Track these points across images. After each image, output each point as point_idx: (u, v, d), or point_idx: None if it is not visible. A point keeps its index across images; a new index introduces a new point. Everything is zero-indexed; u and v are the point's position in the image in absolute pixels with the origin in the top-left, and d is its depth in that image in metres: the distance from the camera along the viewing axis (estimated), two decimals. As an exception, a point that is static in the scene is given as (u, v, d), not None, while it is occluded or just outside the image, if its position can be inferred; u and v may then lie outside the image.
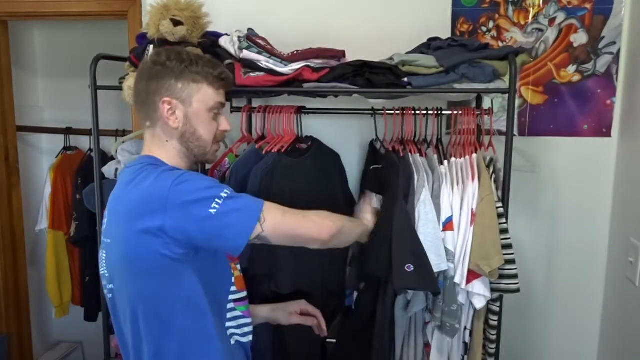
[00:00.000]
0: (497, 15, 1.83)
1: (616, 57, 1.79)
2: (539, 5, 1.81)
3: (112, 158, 1.79)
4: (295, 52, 1.55)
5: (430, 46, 1.57)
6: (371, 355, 1.43)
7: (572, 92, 1.84)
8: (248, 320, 1.24)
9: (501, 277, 1.41)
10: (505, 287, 1.42)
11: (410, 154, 1.53)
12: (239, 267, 1.26)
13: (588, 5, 1.79)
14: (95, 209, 1.68)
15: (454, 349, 1.52)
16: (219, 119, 1.23)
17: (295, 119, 1.66)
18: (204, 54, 1.56)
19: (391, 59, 1.53)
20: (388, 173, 1.48)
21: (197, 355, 1.13)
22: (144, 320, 1.11)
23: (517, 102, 1.85)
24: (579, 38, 1.81)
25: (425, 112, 1.60)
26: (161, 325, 1.11)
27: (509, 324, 1.74)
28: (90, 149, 2.71)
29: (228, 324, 1.20)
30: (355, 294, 1.65)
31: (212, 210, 1.04)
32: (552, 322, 1.95)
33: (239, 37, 1.55)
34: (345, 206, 1.69)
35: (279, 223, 1.12)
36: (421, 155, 1.55)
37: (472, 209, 1.42)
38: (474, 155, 1.49)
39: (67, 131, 2.79)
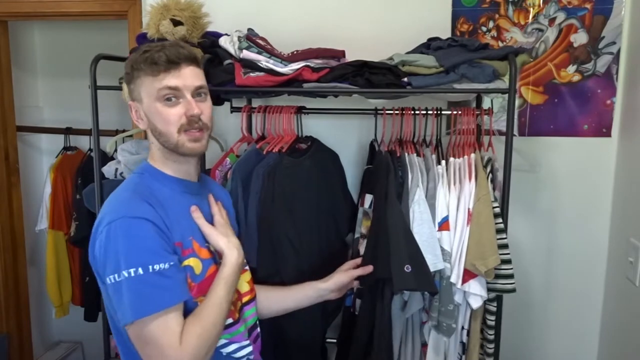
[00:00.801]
0: (497, 15, 1.83)
1: (616, 57, 1.79)
2: (539, 5, 1.81)
3: (112, 158, 1.78)
4: (295, 52, 1.55)
5: (430, 46, 1.57)
6: (370, 356, 1.43)
7: (572, 92, 1.84)
8: (238, 345, 1.18)
9: (497, 276, 1.41)
10: (502, 287, 1.42)
11: (407, 154, 1.53)
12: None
13: (588, 5, 1.79)
14: (95, 209, 1.68)
15: (451, 349, 1.52)
16: (182, 104, 1.11)
17: (295, 119, 1.66)
18: (204, 54, 1.57)
19: (391, 59, 1.53)
20: (379, 173, 1.47)
21: None
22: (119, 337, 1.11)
23: (517, 102, 1.85)
24: (579, 38, 1.81)
25: (425, 112, 1.60)
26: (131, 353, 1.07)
27: (508, 324, 1.74)
28: (90, 149, 2.71)
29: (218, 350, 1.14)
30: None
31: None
32: (552, 322, 1.95)
33: (239, 37, 1.55)
34: (345, 206, 1.69)
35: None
36: (419, 155, 1.55)
37: (468, 209, 1.42)
38: (472, 155, 1.49)
39: (67, 131, 2.79)
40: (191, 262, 1.09)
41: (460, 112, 1.57)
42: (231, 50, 1.55)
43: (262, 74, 1.52)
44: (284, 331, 1.53)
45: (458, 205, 1.43)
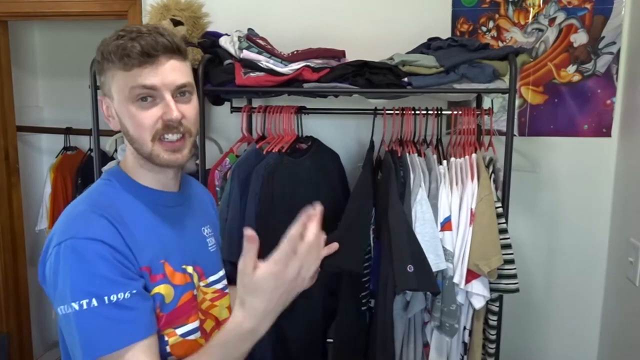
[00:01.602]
0: (497, 15, 1.83)
1: (616, 57, 1.79)
2: (539, 5, 1.81)
3: (112, 158, 1.79)
4: (295, 52, 1.55)
5: (430, 46, 1.57)
6: (371, 356, 1.43)
7: (572, 92, 1.84)
8: None
9: (500, 277, 1.41)
10: (505, 287, 1.42)
11: (408, 154, 1.53)
12: (179, 331, 0.94)
13: (588, 5, 1.79)
14: (95, 209, 1.68)
15: (453, 349, 1.52)
16: (160, 106, 0.91)
17: (295, 118, 1.66)
18: (204, 54, 1.56)
19: (391, 59, 1.54)
20: (385, 174, 1.48)
21: None
22: None
23: (517, 102, 1.85)
24: (579, 38, 1.81)
25: (425, 112, 1.60)
26: None
27: (508, 324, 1.74)
28: (90, 149, 2.71)
29: None
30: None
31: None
32: (552, 322, 1.95)
33: (239, 37, 1.55)
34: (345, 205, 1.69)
35: None
36: (420, 155, 1.55)
37: (471, 209, 1.42)
38: (474, 155, 1.49)
39: (67, 131, 2.79)
40: (161, 289, 0.91)
41: (460, 112, 1.57)
42: (231, 50, 1.55)
43: (262, 74, 1.52)
44: (283, 331, 1.53)
45: (460, 206, 1.43)
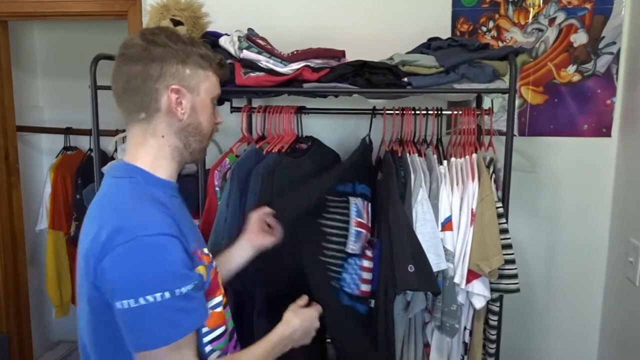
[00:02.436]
0: (497, 15, 1.83)
1: (616, 57, 1.79)
2: (539, 5, 1.81)
3: (112, 158, 1.78)
4: (295, 52, 1.55)
5: (430, 46, 1.57)
6: (372, 356, 1.43)
7: (572, 92, 1.84)
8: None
9: (501, 277, 1.41)
10: (505, 287, 1.42)
11: (408, 154, 1.53)
12: (210, 304, 1.04)
13: (588, 5, 1.79)
14: (95, 209, 1.68)
15: (454, 349, 1.52)
16: (215, 111, 1.10)
17: (295, 119, 1.66)
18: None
19: (391, 59, 1.54)
20: (385, 174, 1.48)
21: None
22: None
23: (517, 102, 1.85)
24: (579, 38, 1.80)
25: (425, 112, 1.60)
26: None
27: (509, 324, 1.74)
28: (90, 149, 2.71)
29: None
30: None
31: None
32: (552, 322, 1.95)
33: (239, 37, 1.55)
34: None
35: None
36: (420, 155, 1.55)
37: (471, 209, 1.42)
38: (474, 155, 1.49)
39: (67, 131, 2.79)
40: (200, 269, 1.00)
41: (460, 112, 1.57)
42: (231, 50, 1.55)
43: (262, 74, 1.52)
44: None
45: (461, 206, 1.43)
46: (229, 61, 1.56)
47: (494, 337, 1.50)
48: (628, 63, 1.78)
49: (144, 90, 0.99)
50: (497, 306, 1.48)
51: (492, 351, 1.51)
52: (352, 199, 1.50)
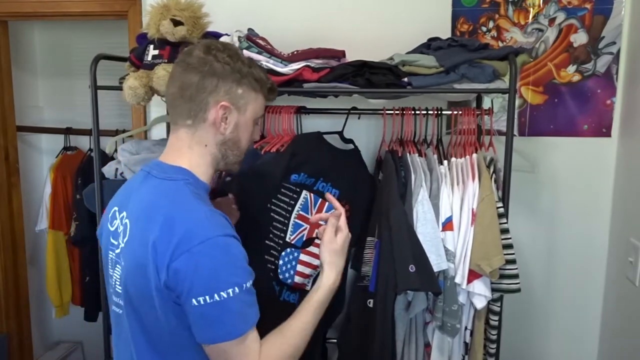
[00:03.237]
0: (497, 15, 1.83)
1: (616, 57, 1.79)
2: (539, 5, 1.81)
3: (112, 158, 1.78)
4: (295, 52, 1.55)
5: (430, 46, 1.57)
6: (373, 356, 1.43)
7: (572, 92, 1.84)
8: None
9: (502, 277, 1.41)
10: (506, 287, 1.42)
11: (408, 154, 1.53)
12: None
13: (588, 5, 1.79)
14: (95, 209, 1.68)
15: (455, 349, 1.52)
16: (255, 129, 1.16)
17: (295, 118, 1.66)
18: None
19: (391, 59, 1.54)
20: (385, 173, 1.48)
21: None
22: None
23: (517, 102, 1.85)
24: (579, 38, 1.81)
25: (425, 112, 1.60)
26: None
27: (509, 324, 1.74)
28: (90, 149, 2.70)
29: None
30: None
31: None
32: (552, 322, 1.95)
33: (239, 37, 1.55)
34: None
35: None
36: (420, 155, 1.55)
37: (472, 209, 1.42)
38: (474, 155, 1.49)
39: (67, 131, 2.78)
40: None
41: (460, 112, 1.57)
42: (231, 50, 1.55)
43: (262, 74, 1.51)
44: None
45: (462, 206, 1.43)
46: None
47: (495, 337, 1.50)
48: (628, 63, 1.78)
49: (196, 100, 1.05)
50: (498, 306, 1.48)
51: (493, 351, 1.51)
52: (305, 192, 1.53)
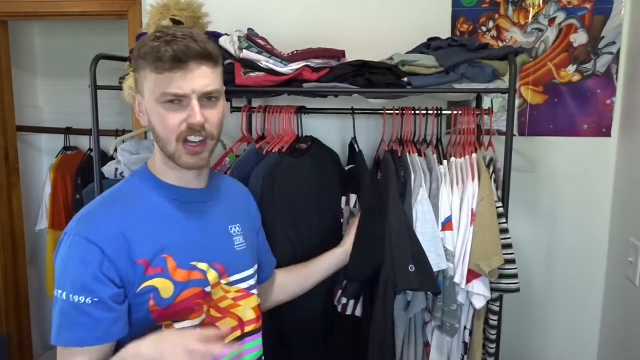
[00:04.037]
0: (497, 15, 1.83)
1: (616, 57, 1.79)
2: (539, 5, 1.81)
3: (112, 158, 1.78)
4: (295, 52, 1.55)
5: (430, 46, 1.57)
6: (372, 356, 1.43)
7: (572, 92, 1.84)
8: None
9: (501, 276, 1.41)
10: (505, 287, 1.42)
11: (408, 154, 1.53)
12: (178, 325, 0.99)
13: (588, 5, 1.79)
14: (95, 209, 1.68)
15: (454, 349, 1.52)
16: (186, 110, 0.96)
17: (295, 118, 1.66)
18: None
19: (391, 59, 1.54)
20: (384, 173, 1.48)
21: None
22: None
23: (517, 102, 1.85)
24: (579, 38, 1.81)
25: (425, 112, 1.60)
26: None
27: (509, 323, 1.74)
28: (90, 149, 2.71)
29: None
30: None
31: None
32: (552, 322, 1.95)
33: (239, 37, 1.55)
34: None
35: None
36: (420, 155, 1.55)
37: (472, 209, 1.42)
38: (474, 155, 1.49)
39: (67, 131, 2.79)
40: (156, 282, 0.95)
41: (460, 112, 1.57)
42: (231, 50, 1.55)
43: (262, 74, 1.51)
44: (285, 332, 1.53)
45: (461, 206, 1.43)
46: (228, 61, 1.55)
47: (494, 337, 1.50)
48: (628, 63, 1.78)
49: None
50: (497, 306, 1.48)
51: (492, 351, 1.51)
52: None
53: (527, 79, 1.85)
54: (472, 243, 1.40)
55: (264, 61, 1.51)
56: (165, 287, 0.96)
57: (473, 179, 1.44)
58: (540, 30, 1.82)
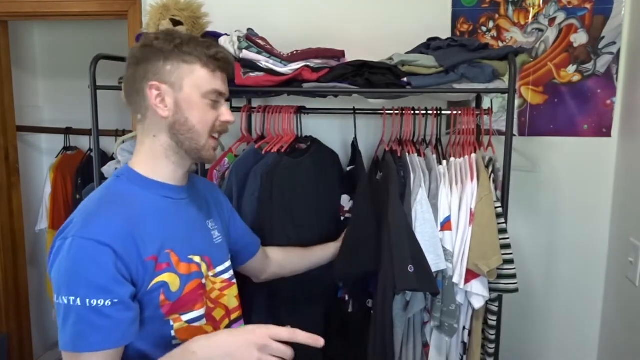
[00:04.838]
0: (497, 15, 1.83)
1: (616, 57, 1.79)
2: (539, 5, 1.81)
3: (112, 158, 1.79)
4: (294, 52, 1.54)
5: (430, 46, 1.57)
6: (372, 356, 1.43)
7: (572, 92, 1.83)
8: None
9: (500, 276, 1.41)
10: (504, 287, 1.42)
11: (407, 154, 1.53)
12: (185, 317, 1.01)
13: (588, 5, 1.78)
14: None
15: (453, 349, 1.52)
16: (219, 109, 1.06)
17: (295, 118, 1.66)
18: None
19: (391, 59, 1.53)
20: (385, 173, 1.48)
21: None
22: None
23: (517, 102, 1.85)
24: (579, 38, 1.80)
25: (424, 112, 1.60)
26: None
27: (508, 323, 1.74)
28: (90, 149, 2.71)
29: None
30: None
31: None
32: (552, 322, 1.94)
33: (238, 37, 1.55)
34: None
35: None
36: (419, 155, 1.55)
37: (470, 209, 1.41)
38: (473, 155, 1.49)
39: (67, 131, 2.79)
40: (166, 277, 0.98)
41: (460, 112, 1.57)
42: (231, 50, 1.55)
43: (261, 74, 1.51)
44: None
45: (460, 205, 1.43)
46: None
47: (493, 337, 1.50)
48: (628, 63, 1.77)
49: (135, 91, 1.03)
50: (496, 306, 1.48)
51: (491, 351, 1.51)
52: None
53: (527, 79, 1.84)
54: (470, 243, 1.40)
55: (264, 61, 1.51)
56: (173, 281, 0.99)
57: (472, 179, 1.44)
58: (540, 30, 1.82)
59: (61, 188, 2.75)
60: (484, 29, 1.84)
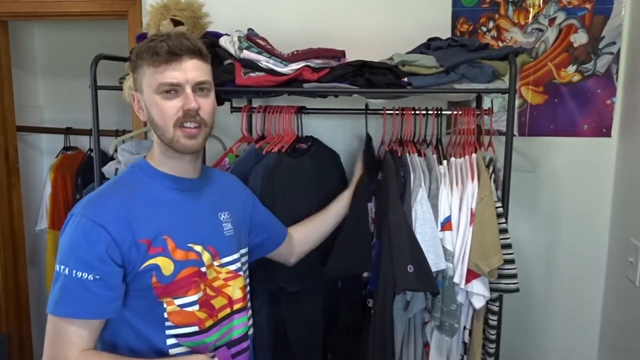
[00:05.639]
0: (497, 15, 1.83)
1: (616, 57, 1.79)
2: (539, 5, 1.81)
3: (112, 158, 1.79)
4: (295, 52, 1.55)
5: (430, 46, 1.57)
6: (372, 356, 1.43)
7: (572, 92, 1.83)
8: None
9: (500, 276, 1.41)
10: (505, 287, 1.42)
11: (408, 154, 1.53)
12: (178, 301, 1.09)
13: (588, 5, 1.79)
14: (95, 209, 1.68)
15: (453, 349, 1.52)
16: (181, 98, 1.09)
17: (295, 118, 1.66)
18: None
19: (391, 59, 1.53)
20: (385, 173, 1.48)
21: None
22: None
23: (517, 102, 1.85)
24: (579, 38, 1.80)
25: (425, 112, 1.60)
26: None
27: (509, 323, 1.74)
28: (90, 149, 2.71)
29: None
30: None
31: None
32: (552, 322, 1.95)
33: (239, 37, 1.55)
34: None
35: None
36: (420, 155, 1.55)
37: (471, 209, 1.42)
38: (474, 155, 1.49)
39: (67, 131, 2.79)
40: (159, 261, 1.06)
41: (460, 112, 1.57)
42: (231, 50, 1.55)
43: (262, 74, 1.51)
44: (284, 332, 1.53)
45: (460, 205, 1.43)
46: (228, 61, 1.56)
47: (494, 337, 1.50)
48: (628, 63, 1.78)
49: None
50: (497, 306, 1.48)
51: (492, 351, 1.51)
52: None
53: (527, 79, 1.85)
54: (471, 243, 1.40)
55: (264, 61, 1.51)
56: (166, 265, 1.07)
57: (472, 179, 1.44)
58: (540, 30, 1.82)
59: (61, 188, 2.75)
60: (484, 29, 1.84)
